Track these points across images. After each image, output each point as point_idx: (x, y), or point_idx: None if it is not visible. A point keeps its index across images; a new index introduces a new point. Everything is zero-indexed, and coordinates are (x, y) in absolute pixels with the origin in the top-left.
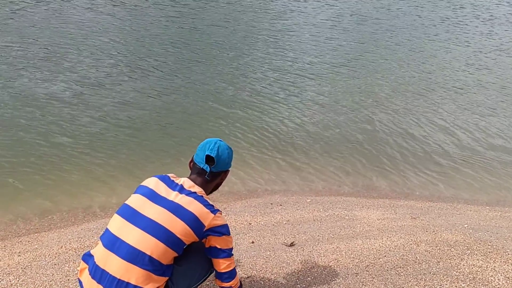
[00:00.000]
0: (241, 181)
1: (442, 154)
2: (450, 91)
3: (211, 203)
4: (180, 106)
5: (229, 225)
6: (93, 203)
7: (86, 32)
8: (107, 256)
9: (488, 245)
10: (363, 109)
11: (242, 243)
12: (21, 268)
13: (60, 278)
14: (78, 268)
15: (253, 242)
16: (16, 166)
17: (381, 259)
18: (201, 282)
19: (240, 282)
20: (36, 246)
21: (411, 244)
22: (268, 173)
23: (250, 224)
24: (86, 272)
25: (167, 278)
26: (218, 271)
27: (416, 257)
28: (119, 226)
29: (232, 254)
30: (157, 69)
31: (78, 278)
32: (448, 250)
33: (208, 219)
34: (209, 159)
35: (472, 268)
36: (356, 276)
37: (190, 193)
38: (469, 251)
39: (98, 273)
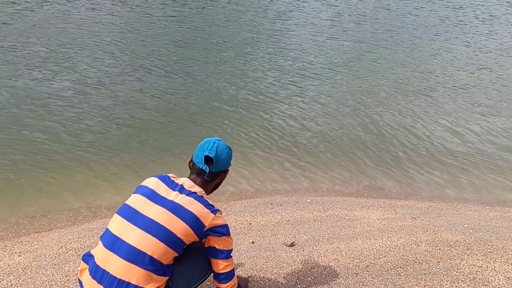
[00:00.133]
0: (241, 181)
1: (442, 154)
2: (450, 91)
3: (211, 203)
4: (182, 105)
5: (229, 225)
6: (94, 203)
7: (88, 31)
8: (107, 256)
9: (488, 245)
10: (363, 109)
11: (242, 243)
12: (22, 268)
13: (60, 278)
14: (78, 268)
15: (253, 242)
16: (16, 166)
17: (381, 259)
18: (201, 282)
19: (239, 284)
20: (37, 246)
21: (411, 244)
22: (268, 173)
23: (250, 224)
24: (87, 272)
25: (167, 278)
26: (216, 271)
27: (416, 257)
28: (119, 226)
29: (231, 256)
30: (159, 69)
31: (79, 279)
32: (448, 250)
33: (208, 219)
34: (208, 160)
35: (472, 268)
36: (356, 276)
37: (190, 193)
38: (469, 251)
39: (98, 273)
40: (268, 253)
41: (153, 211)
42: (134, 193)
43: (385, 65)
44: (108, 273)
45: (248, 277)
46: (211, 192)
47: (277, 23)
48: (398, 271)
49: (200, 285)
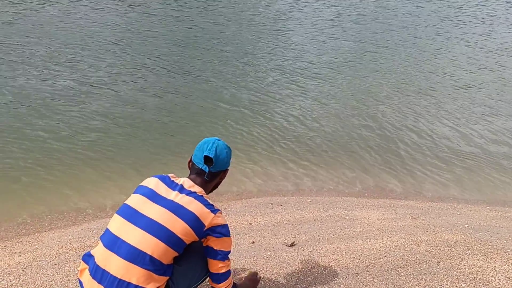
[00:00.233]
0: (242, 181)
1: (443, 154)
2: (450, 90)
3: (211, 202)
4: (182, 104)
5: (229, 225)
6: (93, 203)
7: (89, 31)
8: (107, 256)
9: (489, 245)
10: (364, 109)
11: (242, 243)
12: (22, 268)
13: (60, 278)
14: (79, 269)
15: (253, 242)
16: (16, 165)
17: (381, 259)
18: (201, 282)
19: (234, 283)
20: (37, 246)
21: (411, 244)
22: (268, 173)
23: (251, 224)
24: (87, 272)
25: (167, 277)
26: (212, 271)
27: (417, 257)
28: (119, 226)
29: (228, 258)
30: (160, 68)
31: (79, 279)
32: (448, 250)
33: (208, 218)
34: (207, 160)
35: (472, 268)
36: (357, 276)
37: (190, 193)
38: (469, 251)
39: (98, 273)
40: (268, 253)
41: (153, 211)
42: (134, 193)
43: (386, 65)
44: (108, 273)
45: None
46: (211, 191)
47: (277, 23)
48: (398, 271)
49: (200, 285)
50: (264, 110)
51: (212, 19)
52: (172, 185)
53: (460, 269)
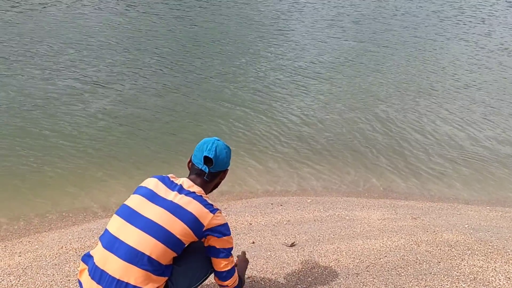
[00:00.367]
0: (242, 181)
1: (443, 154)
2: (451, 91)
3: (210, 202)
4: (183, 103)
5: (229, 225)
6: (94, 203)
7: (90, 31)
8: (106, 256)
9: (489, 245)
10: (364, 109)
11: (242, 243)
12: (22, 268)
13: (60, 279)
14: (78, 269)
15: (253, 242)
16: (16, 165)
17: (381, 259)
18: (201, 282)
19: (240, 277)
20: (37, 246)
21: (411, 244)
22: (268, 173)
23: (251, 224)
24: (86, 273)
25: (166, 278)
26: (217, 270)
27: (417, 257)
28: (118, 227)
29: (231, 254)
30: (161, 68)
31: (78, 279)
32: (448, 250)
33: (207, 218)
34: (207, 160)
35: (472, 268)
36: (357, 276)
37: (189, 193)
38: (469, 252)
39: (97, 274)
40: (269, 253)
41: (152, 211)
42: (133, 193)
43: (385, 65)
44: (107, 273)
45: (249, 277)
46: (210, 191)
47: (278, 23)
48: (398, 271)
49: (200, 285)
50: (265, 109)
51: (213, 19)
52: (171, 185)
53: (460, 269)
